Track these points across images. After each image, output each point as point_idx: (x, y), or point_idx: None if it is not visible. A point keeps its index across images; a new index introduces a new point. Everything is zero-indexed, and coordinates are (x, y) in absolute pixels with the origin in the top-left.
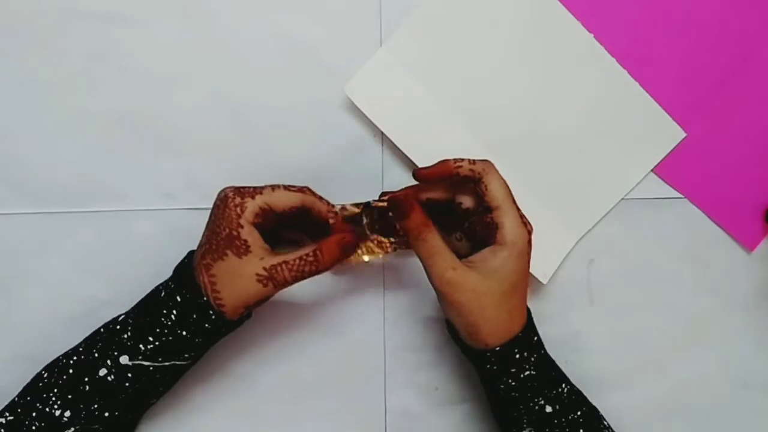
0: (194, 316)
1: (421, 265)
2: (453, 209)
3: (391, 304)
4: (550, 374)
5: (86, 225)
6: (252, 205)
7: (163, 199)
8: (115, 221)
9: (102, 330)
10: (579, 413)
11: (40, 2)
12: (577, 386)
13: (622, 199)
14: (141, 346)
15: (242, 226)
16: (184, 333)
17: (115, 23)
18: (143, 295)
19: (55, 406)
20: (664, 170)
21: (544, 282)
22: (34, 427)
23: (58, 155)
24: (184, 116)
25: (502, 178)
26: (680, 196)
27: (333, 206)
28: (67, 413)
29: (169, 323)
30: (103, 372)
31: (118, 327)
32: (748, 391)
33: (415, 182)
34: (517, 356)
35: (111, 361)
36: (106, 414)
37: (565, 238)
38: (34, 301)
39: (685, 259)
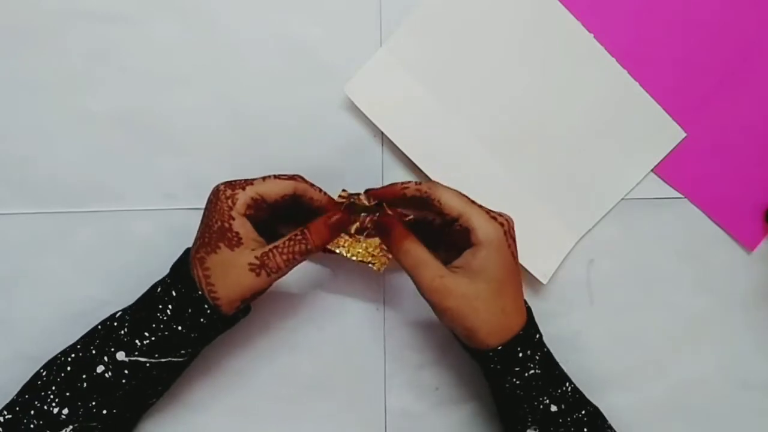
0: (189, 310)
1: None
2: (431, 227)
3: (391, 304)
4: (554, 373)
5: (86, 225)
6: (243, 197)
7: (162, 199)
8: (114, 221)
9: (99, 327)
10: (583, 412)
11: (40, 2)
12: (577, 385)
13: (622, 199)
14: (137, 341)
15: (234, 218)
16: (179, 328)
17: (115, 23)
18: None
19: (53, 404)
20: (664, 170)
21: (544, 282)
22: (32, 425)
23: (58, 155)
24: (184, 116)
25: (452, 189)
26: (680, 196)
27: (341, 194)
28: (65, 411)
29: (165, 318)
30: (100, 369)
31: (115, 324)
32: (748, 391)
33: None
34: (521, 355)
35: (108, 358)
36: (104, 411)
37: (565, 238)
38: (34, 301)
39: (685, 259)
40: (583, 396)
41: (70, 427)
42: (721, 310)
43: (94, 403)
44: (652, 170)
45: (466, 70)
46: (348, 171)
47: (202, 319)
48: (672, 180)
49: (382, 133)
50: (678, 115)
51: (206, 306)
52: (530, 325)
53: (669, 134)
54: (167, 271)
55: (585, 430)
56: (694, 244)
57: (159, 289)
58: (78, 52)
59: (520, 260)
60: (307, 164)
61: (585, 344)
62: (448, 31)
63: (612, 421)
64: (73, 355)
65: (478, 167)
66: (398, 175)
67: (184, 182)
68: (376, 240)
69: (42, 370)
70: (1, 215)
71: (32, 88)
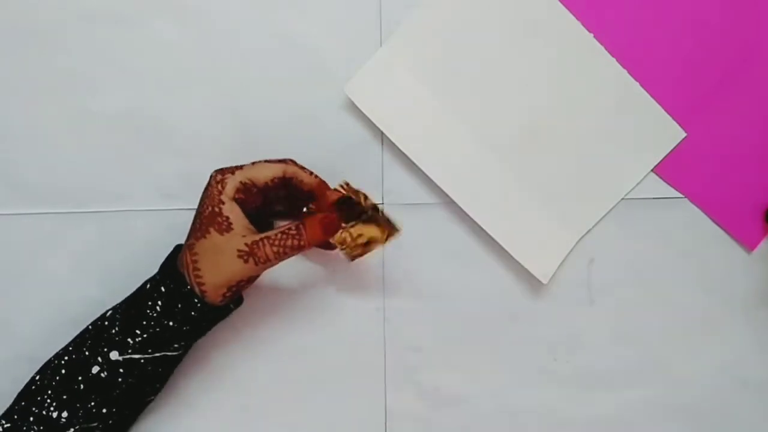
0: (179, 305)
1: (420, 264)
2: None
3: (391, 304)
4: None
5: (86, 225)
6: (232, 181)
7: (162, 199)
8: (114, 221)
9: (90, 327)
10: None
11: (41, 2)
12: (577, 385)
13: (622, 199)
14: (129, 339)
15: (223, 203)
16: (170, 323)
17: (115, 23)
18: None
19: (52, 408)
20: (664, 170)
21: (544, 282)
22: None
23: (58, 155)
24: (184, 116)
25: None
26: (680, 196)
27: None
28: (65, 414)
29: (155, 314)
30: (95, 369)
31: (106, 323)
32: (748, 391)
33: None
34: None
35: (101, 358)
36: (104, 411)
37: (565, 238)
38: (34, 301)
39: (685, 259)
40: None
41: (72, 429)
42: (721, 310)
43: (92, 404)
44: (652, 170)
45: (465, 70)
46: (348, 171)
47: (192, 313)
48: (672, 180)
49: (382, 133)
50: (678, 115)
51: (196, 300)
52: None
53: (669, 134)
54: None
55: None
56: (694, 244)
57: (148, 286)
58: (78, 52)
59: (521, 260)
60: (307, 164)
61: (585, 344)
62: (447, 31)
63: (613, 420)
64: (66, 358)
65: (478, 167)
66: (398, 175)
67: (184, 182)
68: (361, 229)
69: (36, 375)
70: (1, 215)
71: (32, 88)
